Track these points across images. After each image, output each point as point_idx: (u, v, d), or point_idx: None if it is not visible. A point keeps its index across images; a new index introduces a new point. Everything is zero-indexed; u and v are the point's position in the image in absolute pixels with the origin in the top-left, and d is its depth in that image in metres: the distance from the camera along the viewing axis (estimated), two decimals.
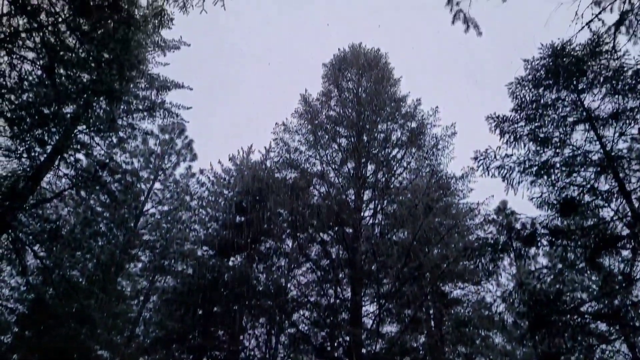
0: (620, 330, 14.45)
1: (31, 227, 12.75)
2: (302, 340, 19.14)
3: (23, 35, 11.13)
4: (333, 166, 21.08)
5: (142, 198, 19.48)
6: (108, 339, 14.85)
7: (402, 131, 21.40)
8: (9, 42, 11.08)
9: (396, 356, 17.68)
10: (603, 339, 12.66)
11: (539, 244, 12.30)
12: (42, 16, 10.97)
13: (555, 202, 12.36)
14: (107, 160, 14.99)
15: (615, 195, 11.50)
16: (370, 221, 19.93)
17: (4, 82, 11.70)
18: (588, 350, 12.92)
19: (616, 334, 13.97)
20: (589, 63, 13.18)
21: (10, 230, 12.01)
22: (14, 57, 11.45)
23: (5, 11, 10.56)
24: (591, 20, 7.57)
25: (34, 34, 11.17)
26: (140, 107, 18.43)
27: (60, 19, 10.98)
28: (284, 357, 20.74)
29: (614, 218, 11.31)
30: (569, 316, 11.65)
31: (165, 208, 20.59)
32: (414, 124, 21.31)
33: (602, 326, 13.40)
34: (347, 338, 17.05)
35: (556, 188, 12.39)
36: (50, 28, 11.15)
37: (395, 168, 20.70)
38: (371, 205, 20.22)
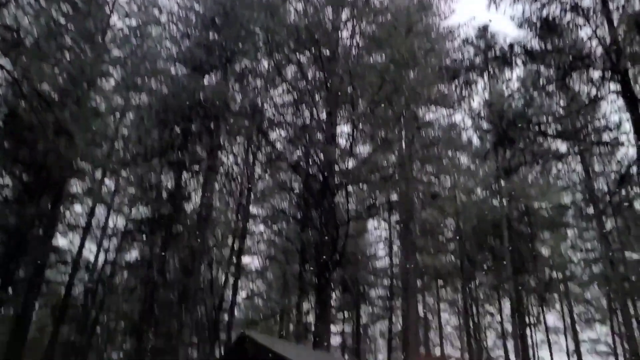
0: (577, 150, 15.42)
1: None
2: (278, 157, 19.91)
3: None
4: None
5: (107, 10, 18.26)
6: (88, 151, 15.04)
7: None
8: None
9: (367, 173, 18.72)
10: (560, 156, 13.51)
11: (514, 63, 12.32)
12: None
13: (536, 20, 12.06)
14: None
15: (597, 13, 11.21)
16: (348, 42, 19.42)
17: None
18: (545, 166, 13.85)
19: (573, 153, 14.92)
20: None
21: None
22: None
23: None
24: None
25: None
26: None
27: None
28: (261, 172, 21.78)
29: (591, 37, 11.22)
30: (531, 134, 12.22)
31: (134, 23, 19.45)
32: None
33: (562, 148, 14.20)
34: (322, 156, 17.75)
35: (538, 3, 11.89)
36: None
37: None
38: (349, 25, 19.52)
